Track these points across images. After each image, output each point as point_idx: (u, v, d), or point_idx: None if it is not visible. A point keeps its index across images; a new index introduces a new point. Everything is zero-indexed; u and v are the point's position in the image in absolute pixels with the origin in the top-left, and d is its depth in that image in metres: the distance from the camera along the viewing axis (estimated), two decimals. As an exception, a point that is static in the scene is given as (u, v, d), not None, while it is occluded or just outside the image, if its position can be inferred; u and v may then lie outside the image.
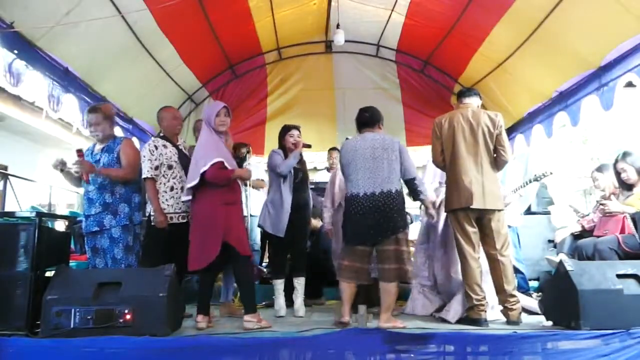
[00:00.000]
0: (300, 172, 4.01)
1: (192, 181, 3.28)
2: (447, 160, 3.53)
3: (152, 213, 3.54)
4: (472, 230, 3.39)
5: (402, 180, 3.42)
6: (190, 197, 3.36)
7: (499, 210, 3.41)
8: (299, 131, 4.08)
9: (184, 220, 3.58)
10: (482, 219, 3.39)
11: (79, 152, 3.41)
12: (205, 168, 3.24)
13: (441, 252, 3.91)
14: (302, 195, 4.00)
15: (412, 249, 5.43)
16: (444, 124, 3.54)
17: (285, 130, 4.08)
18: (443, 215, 3.94)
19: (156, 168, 3.56)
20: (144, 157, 3.56)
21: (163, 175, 3.60)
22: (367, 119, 3.53)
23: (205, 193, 3.30)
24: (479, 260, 3.41)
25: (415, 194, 3.47)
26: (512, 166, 4.71)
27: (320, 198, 4.75)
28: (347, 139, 3.73)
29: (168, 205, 3.57)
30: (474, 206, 3.32)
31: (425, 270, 4.01)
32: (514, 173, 4.63)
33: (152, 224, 3.52)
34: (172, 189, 3.60)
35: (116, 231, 3.46)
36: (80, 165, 3.35)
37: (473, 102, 3.61)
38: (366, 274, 3.40)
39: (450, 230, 3.84)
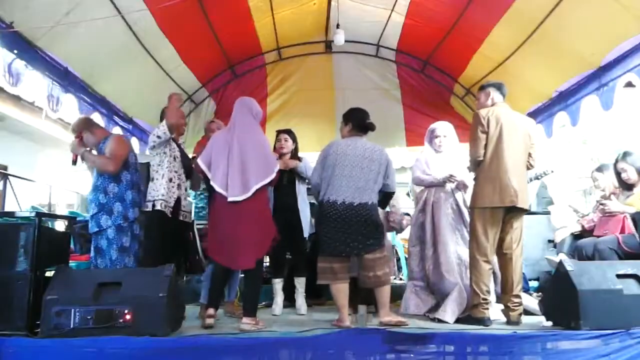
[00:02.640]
0: (285, 174, 4.03)
1: (268, 177, 3.28)
2: (490, 156, 3.40)
3: (156, 198, 3.52)
4: (496, 230, 3.35)
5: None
6: (248, 195, 3.22)
7: (525, 212, 3.44)
8: (288, 134, 4.18)
9: (163, 209, 3.55)
10: (511, 217, 3.37)
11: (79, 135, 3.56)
12: (277, 168, 3.35)
13: (431, 252, 3.91)
14: (289, 196, 4.02)
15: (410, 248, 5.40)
16: (492, 119, 3.41)
17: (276, 135, 4.23)
18: (430, 213, 3.94)
19: (158, 137, 3.56)
20: (154, 130, 3.60)
21: (167, 162, 3.61)
22: (369, 125, 3.50)
23: (258, 193, 3.28)
24: (491, 262, 3.39)
25: (385, 205, 3.62)
26: None
27: None
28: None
29: (164, 194, 3.54)
30: (519, 205, 3.30)
31: (419, 272, 4.01)
32: None
33: (157, 208, 3.51)
34: (171, 180, 3.60)
35: (111, 232, 3.47)
36: (72, 143, 3.51)
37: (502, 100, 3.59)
38: (349, 270, 3.38)
39: (437, 229, 3.84)
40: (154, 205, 3.52)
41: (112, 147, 3.53)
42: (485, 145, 3.41)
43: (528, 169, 3.57)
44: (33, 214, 3.17)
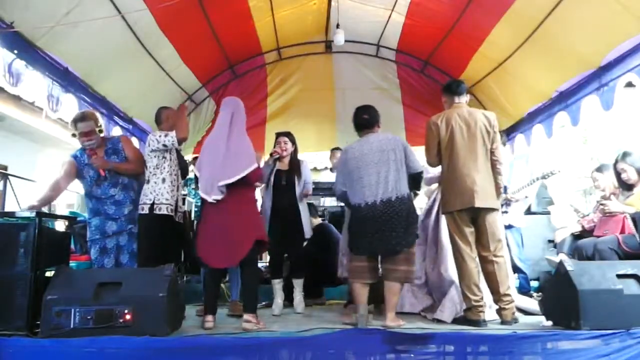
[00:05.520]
0: (284, 174, 4.03)
1: (233, 177, 3.27)
2: (444, 161, 3.48)
3: (161, 202, 3.57)
4: (469, 230, 3.37)
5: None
6: (221, 196, 3.27)
7: (495, 210, 3.41)
8: (288, 137, 4.20)
9: (172, 214, 3.62)
10: (478, 218, 3.36)
11: (92, 151, 3.60)
12: (252, 168, 3.32)
13: (433, 251, 3.92)
14: (286, 197, 4.03)
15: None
16: (441, 124, 3.48)
17: (275, 137, 4.24)
18: (434, 214, 3.94)
19: (164, 146, 3.64)
20: (160, 135, 3.64)
21: (168, 166, 3.67)
22: (367, 121, 3.50)
23: (237, 192, 3.30)
24: (476, 260, 3.39)
25: (417, 187, 3.52)
26: (517, 166, 4.72)
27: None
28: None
29: (168, 198, 3.59)
30: (476, 205, 3.28)
31: (419, 270, 4.01)
32: (518, 173, 4.64)
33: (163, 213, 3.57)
34: (171, 183, 3.66)
35: (135, 227, 3.62)
36: (95, 160, 3.55)
37: (465, 99, 3.61)
38: (377, 272, 3.39)
39: (440, 229, 3.84)
40: (152, 208, 3.54)
41: (133, 150, 3.81)
42: (441, 151, 3.46)
43: (495, 163, 3.45)
44: (33, 214, 3.17)
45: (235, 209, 3.29)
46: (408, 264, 3.31)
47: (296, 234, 4.02)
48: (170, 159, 3.70)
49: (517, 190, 4.43)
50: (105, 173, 3.59)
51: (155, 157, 3.65)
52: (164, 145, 3.63)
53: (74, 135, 3.62)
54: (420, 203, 4.60)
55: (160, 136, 3.64)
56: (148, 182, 3.63)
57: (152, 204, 3.55)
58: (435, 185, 4.16)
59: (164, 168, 3.65)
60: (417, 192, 3.71)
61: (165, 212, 3.57)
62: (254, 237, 3.31)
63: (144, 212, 3.57)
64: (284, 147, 4.14)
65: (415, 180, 3.46)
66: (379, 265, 3.39)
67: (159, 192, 3.58)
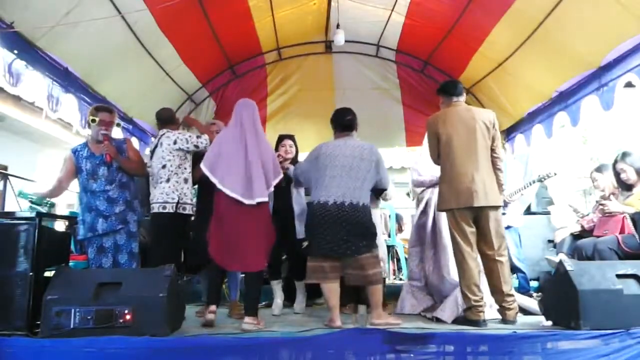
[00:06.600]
0: (284, 177, 4.04)
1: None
2: (442, 160, 3.46)
3: (181, 202, 3.66)
4: (470, 230, 3.34)
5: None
6: (266, 198, 3.29)
7: (498, 208, 3.38)
8: (292, 140, 4.21)
9: (193, 213, 3.74)
10: (481, 217, 3.34)
11: (105, 137, 3.61)
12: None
13: (431, 253, 3.91)
14: (286, 198, 4.02)
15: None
16: (439, 122, 3.47)
17: (279, 140, 4.25)
18: (431, 215, 3.94)
19: (195, 147, 3.74)
20: (191, 136, 3.76)
21: (188, 166, 3.76)
22: (351, 123, 3.49)
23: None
24: (477, 260, 3.38)
25: (377, 198, 3.60)
26: (512, 166, 4.72)
27: None
28: None
29: (191, 198, 3.71)
30: (475, 204, 3.26)
31: (418, 272, 4.01)
32: (515, 173, 4.64)
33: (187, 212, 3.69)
34: (185, 181, 3.73)
35: (133, 226, 3.65)
36: (107, 148, 3.55)
37: (463, 99, 3.60)
38: (339, 270, 3.37)
39: (438, 230, 3.84)
40: (177, 207, 3.61)
41: (136, 152, 3.87)
42: (440, 150, 3.46)
43: (497, 161, 3.43)
44: (33, 214, 3.17)
45: (264, 213, 3.32)
46: (369, 268, 3.26)
47: (291, 234, 4.00)
48: (189, 159, 3.78)
49: (514, 192, 4.44)
50: (110, 161, 3.59)
51: (177, 156, 3.71)
52: (195, 147, 3.73)
53: (93, 120, 3.60)
54: (403, 203, 4.60)
55: (190, 136, 3.73)
56: (168, 180, 3.66)
57: (177, 203, 3.61)
58: (421, 188, 4.16)
59: (185, 168, 3.74)
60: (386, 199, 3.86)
61: (190, 212, 3.67)
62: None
63: (166, 210, 3.60)
64: (289, 150, 4.15)
65: (376, 194, 3.53)
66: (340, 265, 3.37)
67: (181, 191, 3.67)
